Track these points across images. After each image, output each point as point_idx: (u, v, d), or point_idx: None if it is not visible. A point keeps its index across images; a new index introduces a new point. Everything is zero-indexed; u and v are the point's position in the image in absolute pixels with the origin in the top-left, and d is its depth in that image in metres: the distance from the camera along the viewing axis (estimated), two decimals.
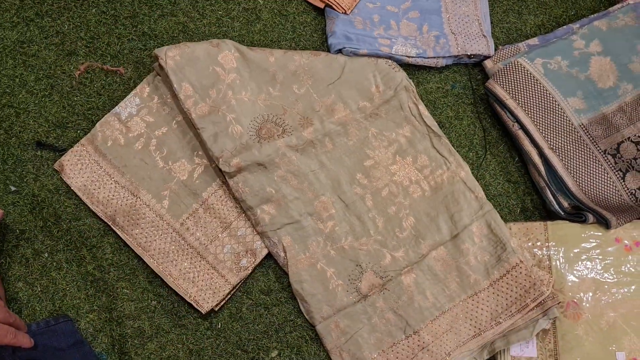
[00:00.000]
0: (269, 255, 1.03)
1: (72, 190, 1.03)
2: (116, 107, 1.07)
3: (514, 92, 1.08)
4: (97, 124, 1.06)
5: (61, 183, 1.04)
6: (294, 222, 1.02)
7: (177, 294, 1.00)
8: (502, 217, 1.07)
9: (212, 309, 0.99)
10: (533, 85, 1.08)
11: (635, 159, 1.03)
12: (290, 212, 1.02)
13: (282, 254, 1.01)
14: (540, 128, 1.06)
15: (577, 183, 1.03)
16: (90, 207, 1.02)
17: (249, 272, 1.01)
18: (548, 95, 1.07)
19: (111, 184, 1.03)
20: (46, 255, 1.00)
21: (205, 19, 1.16)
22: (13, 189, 1.03)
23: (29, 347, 0.86)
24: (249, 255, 1.02)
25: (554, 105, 1.07)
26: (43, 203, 1.03)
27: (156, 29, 1.14)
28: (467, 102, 1.15)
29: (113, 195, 1.02)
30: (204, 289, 0.99)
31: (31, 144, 1.06)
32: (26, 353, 0.90)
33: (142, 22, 1.14)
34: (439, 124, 1.13)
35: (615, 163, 1.03)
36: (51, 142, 1.06)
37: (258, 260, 1.02)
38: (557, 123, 1.06)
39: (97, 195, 1.02)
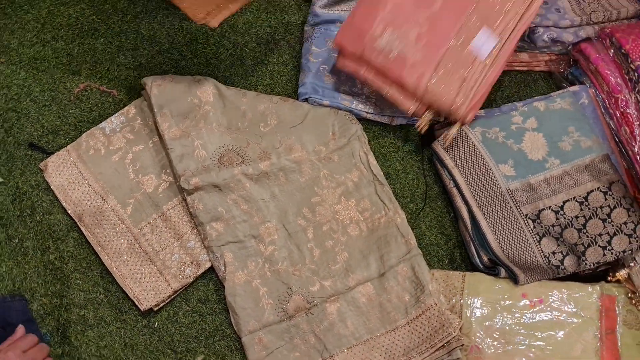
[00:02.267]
0: (212, 269, 1.14)
1: (50, 188, 1.17)
2: (103, 122, 1.22)
3: (453, 154, 1.21)
4: (84, 134, 1.21)
5: (43, 180, 1.18)
6: (238, 242, 1.14)
7: (123, 292, 1.11)
8: (430, 265, 1.17)
9: (152, 308, 1.10)
10: (470, 150, 1.20)
11: (553, 226, 1.14)
12: (236, 232, 1.14)
13: (223, 268, 1.12)
14: (472, 187, 1.18)
15: (497, 240, 1.13)
16: (63, 204, 1.15)
17: (191, 280, 1.12)
18: (482, 159, 1.19)
19: (85, 187, 1.17)
20: (16, 241, 1.13)
21: (197, 59, 1.33)
22: (1, 180, 1.17)
23: None
24: (193, 265, 1.13)
25: (486, 169, 1.19)
26: (24, 195, 1.16)
27: (152, 62, 1.31)
28: (415, 159, 1.28)
29: (84, 197, 1.16)
30: (148, 289, 1.10)
31: (25, 145, 1.21)
32: None
33: (141, 55, 1.32)
34: (386, 175, 1.25)
35: (534, 227, 1.14)
36: (42, 145, 1.21)
37: (201, 271, 1.13)
38: (486, 185, 1.17)
39: (71, 195, 1.16)
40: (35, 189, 1.17)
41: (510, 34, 1.14)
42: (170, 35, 1.34)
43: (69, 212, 1.15)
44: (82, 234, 1.14)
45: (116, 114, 1.23)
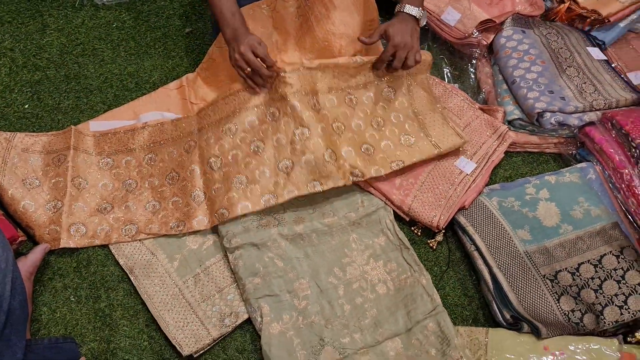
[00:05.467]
0: (249, 321, 1.21)
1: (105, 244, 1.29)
2: None
3: (473, 222, 1.32)
4: None
5: None
6: (273, 295, 1.22)
7: (166, 339, 1.18)
8: (455, 324, 1.23)
9: (192, 355, 1.16)
10: (489, 217, 1.31)
11: (570, 286, 1.21)
12: (272, 286, 1.23)
13: (260, 319, 1.19)
14: (492, 251, 1.27)
15: (518, 299, 1.20)
16: (116, 257, 1.26)
17: (230, 330, 1.20)
18: (500, 225, 1.30)
19: (137, 243, 1.28)
20: (71, 289, 1.23)
21: None
22: None
23: None
24: (232, 316, 1.21)
25: (505, 234, 1.28)
26: (80, 249, 1.28)
27: None
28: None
29: (136, 252, 1.27)
30: (189, 336, 1.17)
31: None
32: None
33: None
34: (411, 240, 1.35)
35: (553, 287, 1.21)
36: None
37: (239, 322, 1.20)
38: (505, 248, 1.27)
39: (124, 249, 1.27)
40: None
41: (485, 163, 1.41)
42: None
43: (121, 264, 1.26)
44: (131, 284, 1.24)
45: None
